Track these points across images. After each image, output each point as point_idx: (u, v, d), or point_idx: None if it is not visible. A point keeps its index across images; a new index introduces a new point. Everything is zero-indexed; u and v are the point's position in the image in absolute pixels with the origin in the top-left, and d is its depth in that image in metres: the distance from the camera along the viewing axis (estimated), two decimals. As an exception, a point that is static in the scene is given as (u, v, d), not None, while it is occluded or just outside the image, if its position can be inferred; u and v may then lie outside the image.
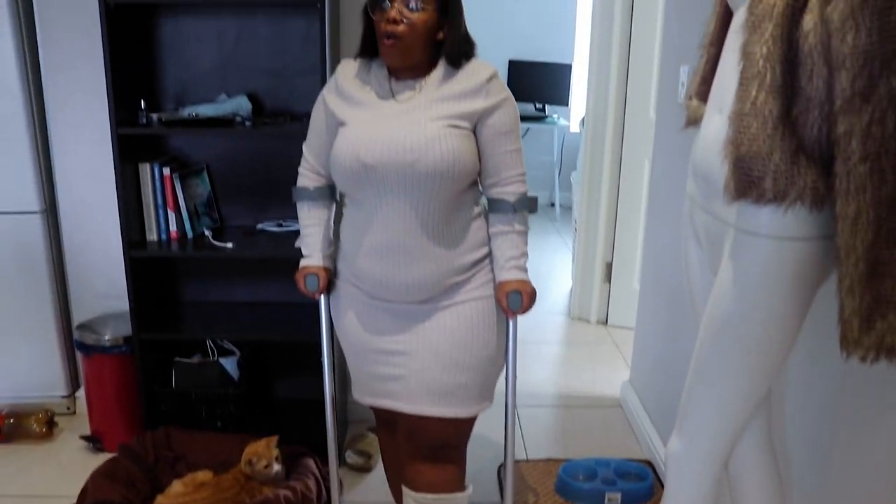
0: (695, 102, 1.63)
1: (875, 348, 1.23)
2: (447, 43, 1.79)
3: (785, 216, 1.29)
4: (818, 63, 1.21)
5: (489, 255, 1.90)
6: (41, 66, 2.75)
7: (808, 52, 1.21)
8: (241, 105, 2.63)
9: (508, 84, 1.85)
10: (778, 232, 1.31)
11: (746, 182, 1.28)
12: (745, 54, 1.28)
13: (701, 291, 1.61)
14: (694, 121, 1.62)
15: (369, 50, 1.85)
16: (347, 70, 1.88)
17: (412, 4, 1.72)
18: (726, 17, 1.50)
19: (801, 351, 1.54)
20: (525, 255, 1.88)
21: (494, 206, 1.87)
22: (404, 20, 1.72)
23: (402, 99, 1.80)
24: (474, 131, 1.81)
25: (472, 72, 1.80)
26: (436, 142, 1.72)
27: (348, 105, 1.84)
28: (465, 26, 1.82)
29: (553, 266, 5.06)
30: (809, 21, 1.20)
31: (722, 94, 1.40)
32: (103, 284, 2.93)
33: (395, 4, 1.72)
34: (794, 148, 1.25)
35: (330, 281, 1.99)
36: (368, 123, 1.79)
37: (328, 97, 1.89)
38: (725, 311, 1.42)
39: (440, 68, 1.80)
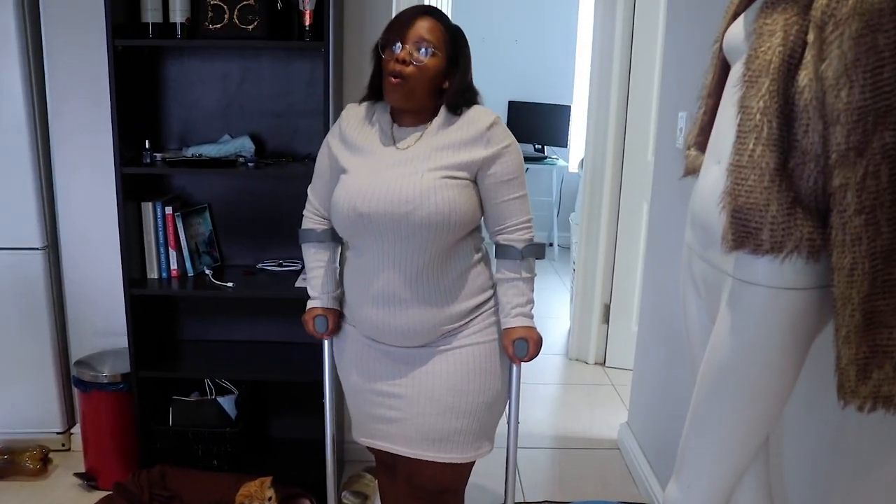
0: (693, 152, 1.65)
1: (872, 398, 1.24)
2: (450, 91, 1.81)
3: (782, 266, 1.31)
4: (813, 118, 1.23)
5: (489, 300, 1.90)
6: (48, 104, 2.78)
7: (804, 107, 1.24)
8: (243, 146, 2.66)
9: (508, 125, 1.86)
10: (775, 282, 1.33)
11: (744, 233, 1.30)
12: (743, 108, 1.30)
13: (699, 339, 1.62)
14: (692, 170, 1.64)
15: (376, 92, 1.87)
16: (352, 115, 1.91)
17: (423, 49, 1.75)
18: (724, 70, 1.53)
19: (799, 399, 1.55)
20: (531, 302, 1.88)
21: (502, 252, 1.87)
22: (413, 62, 1.75)
23: (403, 146, 1.82)
24: (476, 180, 1.81)
25: (473, 119, 1.81)
26: (431, 193, 1.73)
27: (350, 152, 1.86)
28: (471, 77, 1.85)
29: (551, 307, 5.06)
30: (804, 77, 1.23)
31: (720, 145, 1.42)
32: (102, 321, 2.93)
33: (407, 46, 1.75)
34: (791, 200, 1.27)
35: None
36: (367, 172, 1.80)
37: (332, 142, 1.91)
38: (723, 359, 1.43)
39: (441, 116, 1.81)
